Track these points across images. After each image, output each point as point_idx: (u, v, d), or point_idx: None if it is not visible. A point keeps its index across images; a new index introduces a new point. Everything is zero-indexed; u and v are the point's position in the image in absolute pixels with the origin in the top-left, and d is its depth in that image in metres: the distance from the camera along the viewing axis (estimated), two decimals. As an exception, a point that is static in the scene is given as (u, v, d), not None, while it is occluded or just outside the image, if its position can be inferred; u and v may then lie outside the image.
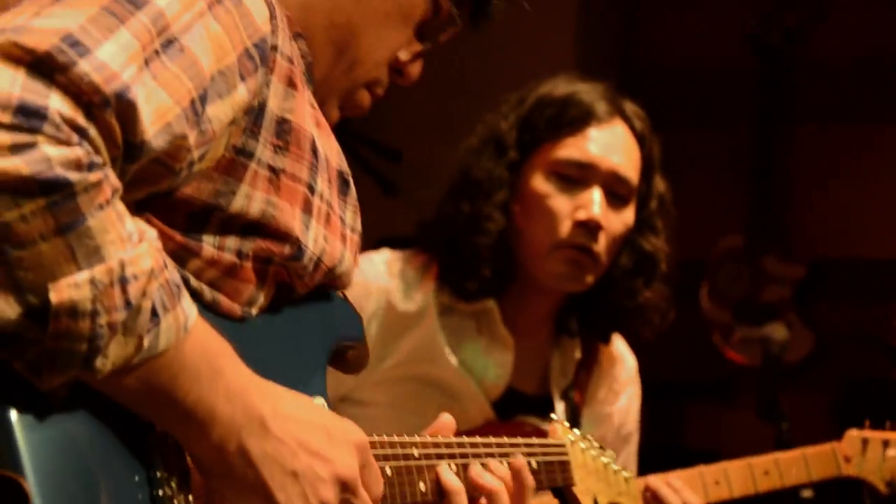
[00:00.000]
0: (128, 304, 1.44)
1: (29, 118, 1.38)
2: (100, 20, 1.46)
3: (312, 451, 1.60)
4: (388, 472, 1.81)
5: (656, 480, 2.92)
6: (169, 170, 1.53)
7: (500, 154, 3.00)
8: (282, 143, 1.66)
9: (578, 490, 2.21)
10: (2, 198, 1.37)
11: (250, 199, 1.63)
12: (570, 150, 2.96)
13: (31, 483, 1.42)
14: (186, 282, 1.61)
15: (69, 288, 1.40)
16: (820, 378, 5.43)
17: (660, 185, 3.07)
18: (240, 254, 1.64)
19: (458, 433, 1.98)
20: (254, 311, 1.69)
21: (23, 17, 1.45)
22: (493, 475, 1.95)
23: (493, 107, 3.09)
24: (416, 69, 1.90)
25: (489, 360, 3.00)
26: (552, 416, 2.22)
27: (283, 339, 1.73)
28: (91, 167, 1.41)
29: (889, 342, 5.30)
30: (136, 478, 1.55)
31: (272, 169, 1.65)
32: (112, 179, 1.44)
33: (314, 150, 1.70)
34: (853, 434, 3.10)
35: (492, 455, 1.98)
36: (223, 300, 1.65)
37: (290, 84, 1.66)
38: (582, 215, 2.92)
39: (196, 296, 1.62)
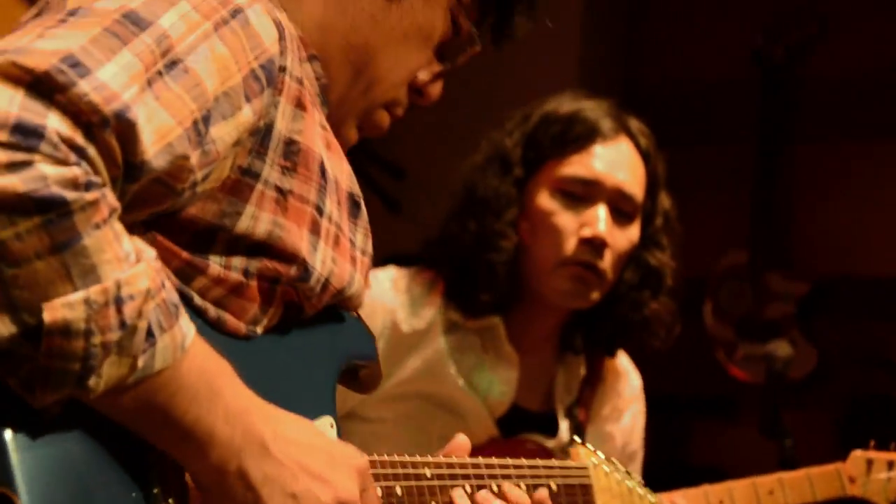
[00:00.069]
0: (122, 324, 1.44)
1: (26, 137, 1.39)
2: (102, 41, 1.47)
3: (313, 473, 1.60)
4: (399, 491, 1.81)
5: (661, 500, 2.91)
6: (171, 190, 1.53)
7: (505, 171, 3.00)
8: (290, 164, 1.65)
9: None
10: None
11: (256, 219, 1.63)
12: (575, 167, 2.96)
13: (24, 501, 1.42)
14: (190, 300, 1.61)
15: (63, 307, 1.41)
16: (823, 395, 5.43)
17: (665, 201, 3.07)
18: (246, 272, 1.64)
19: None
20: (260, 329, 1.68)
21: (26, 39, 1.46)
22: (505, 501, 1.94)
23: (497, 124, 3.09)
24: (436, 90, 1.90)
25: (494, 377, 3.00)
26: (575, 438, 2.20)
27: (290, 358, 1.73)
28: (88, 186, 1.41)
29: (892, 360, 5.30)
30: (133, 495, 1.54)
31: (279, 190, 1.65)
32: (110, 199, 1.44)
33: (323, 172, 1.70)
34: (858, 455, 3.10)
35: (508, 477, 1.97)
36: (229, 319, 1.65)
37: (299, 105, 1.66)
38: (587, 232, 2.92)
39: (200, 314, 1.62)
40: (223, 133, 1.55)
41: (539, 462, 2.04)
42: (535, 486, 2.01)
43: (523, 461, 2.00)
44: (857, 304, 5.52)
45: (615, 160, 2.97)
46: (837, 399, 5.31)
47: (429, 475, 1.85)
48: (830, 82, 5.52)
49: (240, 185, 1.62)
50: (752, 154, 5.54)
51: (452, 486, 1.88)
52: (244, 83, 1.57)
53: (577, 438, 2.25)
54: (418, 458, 1.84)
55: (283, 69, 1.63)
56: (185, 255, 1.60)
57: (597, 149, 2.97)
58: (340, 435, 1.78)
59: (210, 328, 1.62)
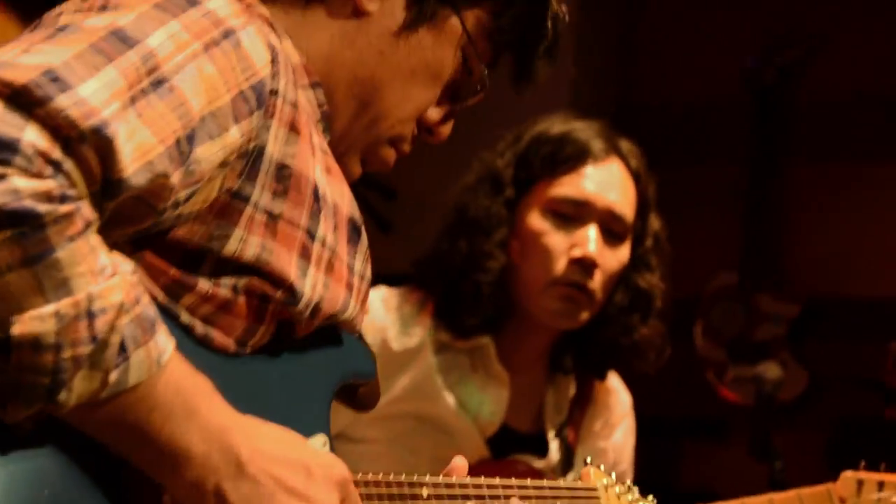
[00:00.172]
0: (94, 337, 1.44)
1: (0, 150, 1.39)
2: (86, 57, 1.47)
3: (290, 489, 1.60)
4: None
5: None
6: (152, 208, 1.53)
7: (496, 191, 3.00)
8: (281, 187, 1.65)
9: None
10: None
11: (245, 243, 1.62)
12: (566, 187, 2.97)
13: None
14: (177, 317, 1.61)
15: (33, 320, 1.41)
16: (813, 417, 5.42)
17: (655, 222, 3.07)
18: (235, 289, 1.63)
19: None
20: (250, 347, 1.68)
21: (11, 53, 1.47)
22: None
23: (489, 145, 3.09)
24: (446, 129, 1.89)
25: (484, 397, 3.00)
26: (586, 459, 2.17)
27: (283, 376, 1.72)
28: (63, 199, 1.42)
29: (883, 381, 5.30)
30: None
31: (269, 213, 1.64)
32: (85, 212, 1.44)
33: (316, 196, 1.69)
34: (848, 475, 3.09)
35: (510, 497, 1.94)
36: (217, 335, 1.64)
37: (293, 129, 1.66)
38: (577, 253, 2.93)
39: (187, 331, 1.62)
40: (209, 153, 1.55)
41: (545, 483, 2.01)
42: None
43: (528, 482, 1.98)
44: (847, 325, 5.52)
45: (606, 181, 2.98)
46: (828, 421, 5.30)
47: (425, 495, 1.84)
48: (821, 104, 5.53)
49: (229, 207, 1.61)
50: (743, 175, 5.54)
51: None
52: (232, 104, 1.57)
53: (587, 460, 2.20)
54: (416, 478, 1.82)
55: (274, 92, 1.62)
56: (173, 272, 1.60)
57: (588, 169, 2.98)
58: (334, 452, 1.77)
59: (197, 345, 1.62)
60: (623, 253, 2.99)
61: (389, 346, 2.95)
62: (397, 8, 1.80)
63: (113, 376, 1.46)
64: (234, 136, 1.58)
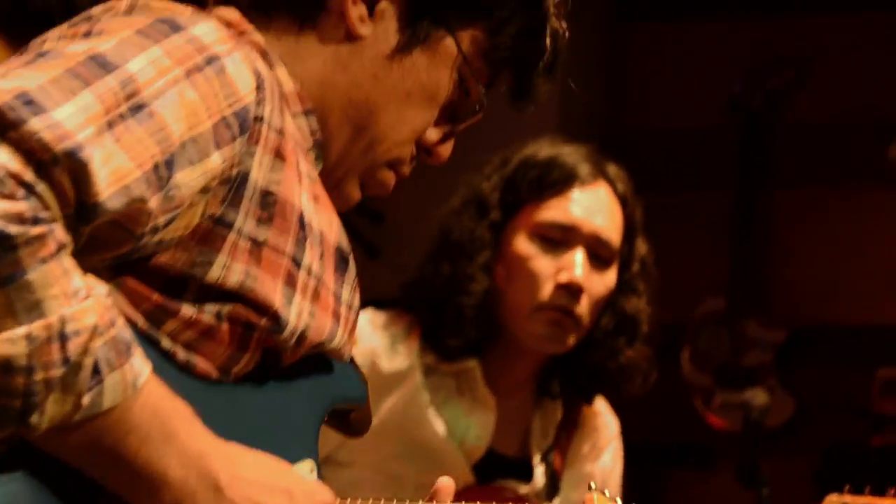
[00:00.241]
0: (66, 360, 1.43)
1: None
2: (62, 82, 1.47)
3: None
4: None
5: None
6: (129, 233, 1.52)
7: (482, 214, 3.01)
8: (266, 214, 1.64)
9: None
10: None
11: (228, 269, 1.61)
12: (553, 212, 2.97)
13: None
14: (157, 343, 1.60)
15: (4, 343, 1.40)
16: (801, 444, 5.42)
17: (642, 247, 3.08)
18: (219, 316, 1.62)
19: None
20: (234, 374, 1.66)
21: None
22: None
23: (476, 168, 3.09)
24: (445, 150, 1.87)
25: (471, 421, 2.99)
26: (591, 484, 2.14)
27: (269, 402, 1.70)
28: (35, 221, 1.41)
29: (870, 408, 5.30)
30: None
31: (253, 240, 1.63)
32: (58, 234, 1.43)
33: (302, 224, 1.67)
34: (833, 499, 3.09)
35: None
36: (199, 362, 1.63)
37: (279, 156, 1.64)
38: (564, 277, 2.93)
39: (168, 357, 1.61)
40: (189, 179, 1.54)
41: None
42: None
43: None
44: (834, 352, 5.53)
45: (593, 205, 2.98)
46: (815, 447, 5.30)
47: None
48: (809, 129, 5.55)
49: (212, 234, 1.61)
50: (730, 201, 5.55)
51: None
52: (214, 130, 1.56)
53: (592, 484, 2.16)
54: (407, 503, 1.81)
55: (259, 119, 1.62)
56: (156, 297, 1.59)
57: (575, 194, 2.98)
58: (321, 479, 1.76)
59: (178, 372, 1.61)
60: (610, 277, 3.00)
61: (379, 369, 2.95)
62: (390, 31, 1.79)
63: (86, 399, 1.45)
64: (216, 161, 1.57)
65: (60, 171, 1.43)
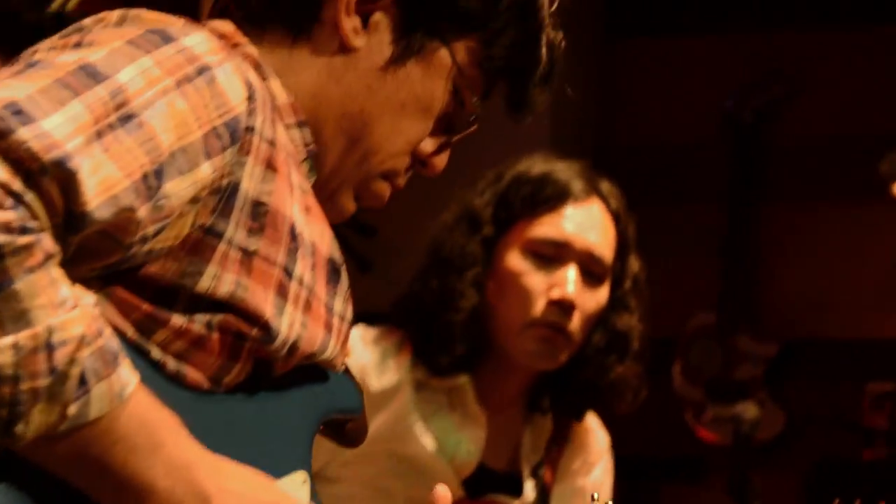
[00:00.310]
0: (52, 370, 1.42)
1: None
2: (51, 92, 1.47)
3: None
4: None
5: None
6: (118, 243, 1.52)
7: (474, 230, 3.01)
8: (257, 224, 1.63)
9: None
10: None
11: (218, 279, 1.61)
12: (545, 228, 2.97)
13: None
14: (147, 354, 1.59)
15: None
16: (791, 457, 5.44)
17: (634, 264, 3.08)
18: (209, 325, 1.62)
19: None
20: (225, 384, 1.66)
21: None
22: None
23: (470, 184, 3.10)
24: (441, 161, 1.87)
25: (461, 437, 2.99)
26: (593, 495, 2.14)
27: (259, 413, 1.70)
28: (22, 231, 1.41)
29: (860, 422, 5.31)
30: None
31: (244, 250, 1.63)
32: (46, 244, 1.43)
33: (293, 234, 1.67)
34: (824, 514, 3.10)
35: None
36: (190, 372, 1.62)
37: (270, 167, 1.64)
38: (556, 294, 2.93)
39: (158, 367, 1.60)
40: (178, 189, 1.54)
41: None
42: None
43: None
44: (825, 366, 5.54)
45: (586, 222, 2.98)
46: (805, 461, 5.32)
47: None
48: (799, 144, 5.57)
49: (202, 244, 1.60)
50: (721, 216, 5.57)
51: None
52: (204, 140, 1.56)
53: (595, 495, 2.16)
54: None
55: (250, 129, 1.61)
56: (146, 306, 1.59)
57: (567, 210, 2.98)
58: (314, 490, 1.76)
59: (168, 382, 1.60)
60: (602, 294, 3.00)
61: (369, 386, 2.95)
62: (384, 42, 1.79)
63: (72, 409, 1.45)
64: (206, 171, 1.57)
65: (49, 180, 1.43)
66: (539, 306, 2.94)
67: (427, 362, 2.98)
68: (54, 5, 3.44)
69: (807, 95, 5.55)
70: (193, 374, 1.62)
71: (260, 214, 1.63)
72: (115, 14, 1.68)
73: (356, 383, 1.84)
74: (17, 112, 1.43)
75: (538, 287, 2.94)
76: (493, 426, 3.02)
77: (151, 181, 1.51)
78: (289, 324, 1.66)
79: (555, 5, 1.88)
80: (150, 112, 1.52)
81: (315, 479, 2.90)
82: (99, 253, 1.51)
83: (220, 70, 1.60)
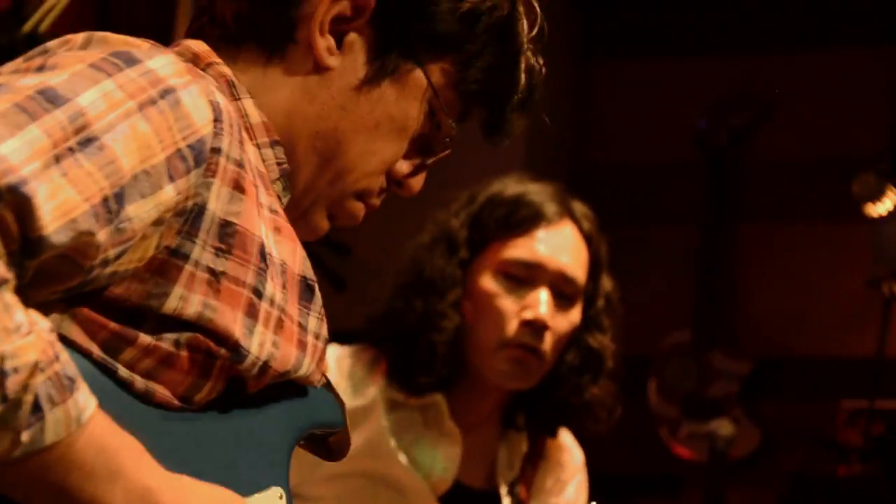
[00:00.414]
0: (4, 397, 1.41)
1: None
2: (8, 116, 1.46)
3: None
4: None
5: None
6: (78, 267, 1.50)
7: (451, 252, 3.02)
8: (224, 245, 1.62)
9: None
10: None
11: (185, 301, 1.60)
12: (518, 250, 2.99)
13: None
14: (114, 372, 1.58)
15: None
16: (766, 474, 5.45)
17: (607, 284, 3.09)
18: (177, 343, 1.61)
19: None
20: (197, 402, 1.65)
21: None
22: None
23: (443, 203, 3.11)
24: (416, 183, 1.86)
25: (437, 454, 3.00)
26: None
27: (232, 430, 1.69)
28: None
29: (834, 439, 5.33)
30: None
31: (212, 271, 1.61)
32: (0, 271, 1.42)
33: (262, 255, 1.66)
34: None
35: None
36: (158, 390, 1.61)
37: (237, 188, 1.63)
38: (528, 315, 2.95)
39: (125, 386, 1.59)
40: (141, 211, 1.53)
41: None
42: None
43: None
44: (799, 383, 5.57)
45: (558, 244, 3.00)
46: (780, 478, 5.33)
47: None
48: (773, 165, 5.59)
49: (167, 265, 1.59)
50: (695, 235, 5.59)
51: None
52: (167, 162, 1.55)
53: None
54: None
55: (216, 150, 1.60)
56: (112, 326, 1.57)
57: (540, 233, 3.00)
58: None
59: (136, 401, 1.59)
60: (574, 315, 3.02)
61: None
62: (359, 62, 1.78)
63: (25, 436, 1.43)
64: (170, 194, 1.56)
65: (3, 206, 1.41)
66: (512, 327, 2.96)
67: (403, 381, 2.99)
68: (27, 26, 3.45)
69: (780, 116, 5.58)
70: (162, 392, 1.61)
71: (227, 235, 1.63)
72: (81, 36, 1.68)
73: (337, 397, 1.83)
74: None
75: (511, 308, 2.96)
76: (468, 443, 3.03)
77: (112, 204, 1.50)
78: (259, 343, 1.65)
79: (535, 30, 1.88)
80: (112, 135, 1.51)
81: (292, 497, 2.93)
82: (59, 276, 1.50)
83: (185, 92, 1.59)
